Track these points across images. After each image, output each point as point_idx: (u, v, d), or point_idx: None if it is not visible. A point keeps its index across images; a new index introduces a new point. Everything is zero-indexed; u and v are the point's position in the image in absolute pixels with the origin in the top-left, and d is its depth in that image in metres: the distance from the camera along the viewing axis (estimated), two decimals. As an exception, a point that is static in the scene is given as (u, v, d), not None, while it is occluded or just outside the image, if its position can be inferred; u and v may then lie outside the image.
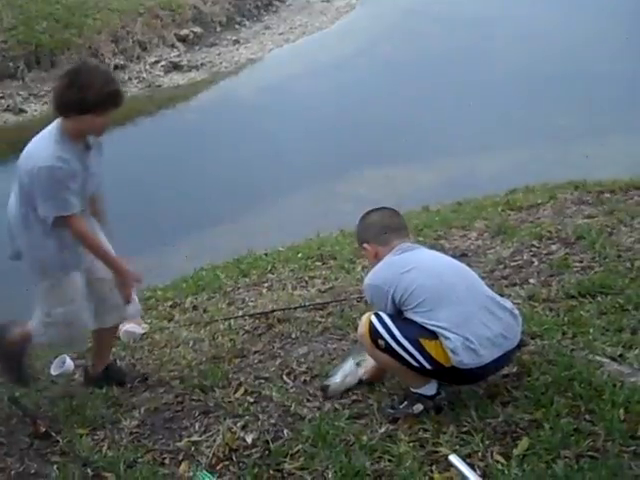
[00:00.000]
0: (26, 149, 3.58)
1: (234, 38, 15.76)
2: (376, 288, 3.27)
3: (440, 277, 3.21)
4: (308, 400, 3.52)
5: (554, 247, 5.15)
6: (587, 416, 2.98)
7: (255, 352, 4.26)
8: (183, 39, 15.63)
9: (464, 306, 3.11)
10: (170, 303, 5.91)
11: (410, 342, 3.07)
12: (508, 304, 3.27)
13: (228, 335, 4.61)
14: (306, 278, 5.59)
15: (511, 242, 5.37)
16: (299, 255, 6.25)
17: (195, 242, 8.53)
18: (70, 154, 3.52)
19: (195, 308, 5.47)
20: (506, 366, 3.29)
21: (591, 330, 3.70)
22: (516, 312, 3.26)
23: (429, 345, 3.06)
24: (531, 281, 4.62)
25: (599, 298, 4.12)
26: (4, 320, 4.11)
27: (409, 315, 3.15)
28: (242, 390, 3.71)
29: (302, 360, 3.92)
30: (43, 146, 3.53)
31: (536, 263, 4.92)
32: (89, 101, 3.46)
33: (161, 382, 4.09)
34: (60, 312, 3.76)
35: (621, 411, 2.94)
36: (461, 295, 3.15)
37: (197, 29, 15.90)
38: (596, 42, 13.81)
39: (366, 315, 3.21)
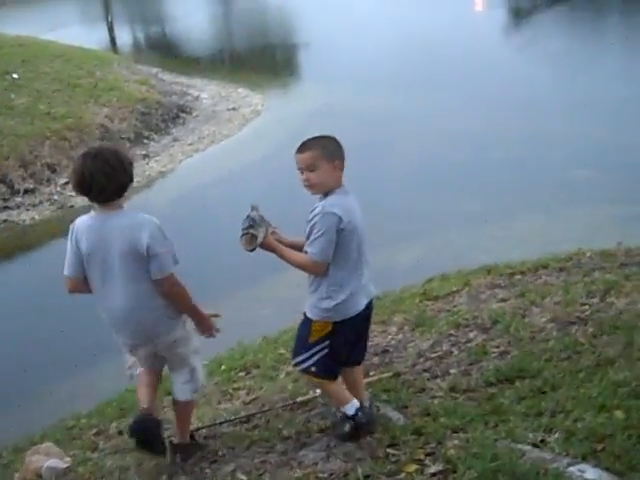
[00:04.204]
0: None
1: (143, 153, 15.84)
2: (335, 218, 3.69)
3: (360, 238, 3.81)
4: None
5: (472, 334, 5.25)
6: (515, 508, 2.99)
7: (182, 476, 4.15)
8: (92, 158, 15.63)
9: (355, 266, 3.81)
10: (94, 431, 5.74)
11: (308, 349, 3.85)
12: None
13: (154, 459, 4.48)
14: (230, 390, 5.53)
15: (430, 333, 5.45)
16: (222, 367, 6.19)
17: (118, 360, 8.32)
18: None
19: (120, 433, 5.31)
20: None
21: (512, 417, 3.76)
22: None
23: (312, 334, 3.81)
24: (452, 371, 4.68)
25: (517, 383, 4.20)
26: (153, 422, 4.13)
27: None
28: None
29: (228, 479, 3.83)
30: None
31: (456, 352, 5.00)
32: None
33: (86, 519, 3.93)
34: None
35: (547, 499, 2.96)
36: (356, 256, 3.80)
37: (106, 147, 15.95)
38: (490, 130, 14.49)
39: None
